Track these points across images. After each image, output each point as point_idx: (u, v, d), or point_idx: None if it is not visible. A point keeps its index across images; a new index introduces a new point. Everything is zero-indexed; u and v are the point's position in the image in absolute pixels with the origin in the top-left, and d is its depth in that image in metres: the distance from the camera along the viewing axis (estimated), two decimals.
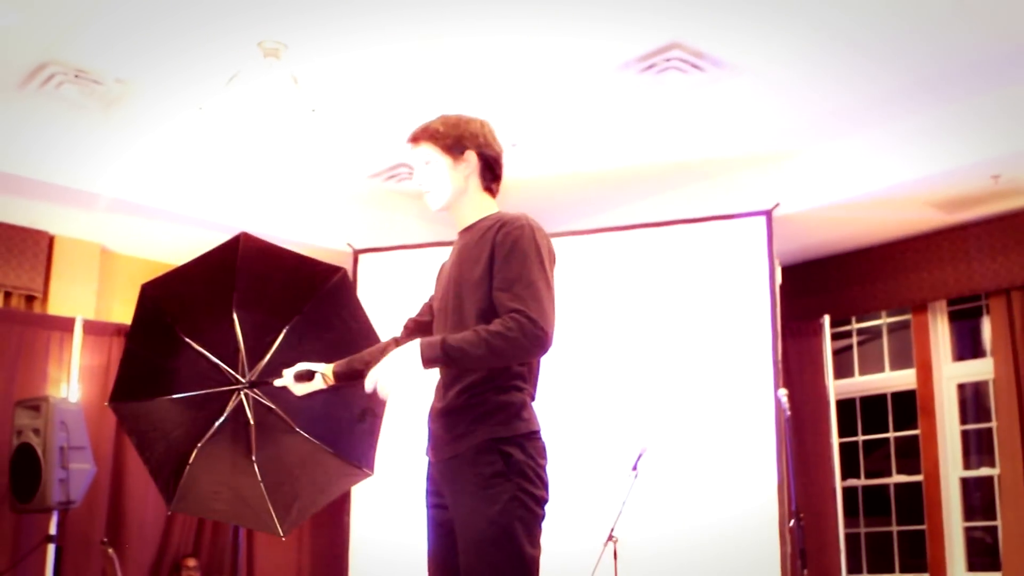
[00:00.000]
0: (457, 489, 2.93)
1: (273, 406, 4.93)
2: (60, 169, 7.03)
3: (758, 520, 6.69)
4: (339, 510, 7.86)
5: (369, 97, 6.45)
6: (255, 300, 5.00)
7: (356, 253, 7.80)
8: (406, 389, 2.87)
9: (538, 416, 3.04)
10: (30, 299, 7.85)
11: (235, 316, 4.97)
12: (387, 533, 7.25)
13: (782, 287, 7.15)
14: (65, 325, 7.70)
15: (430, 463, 3.10)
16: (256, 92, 6.07)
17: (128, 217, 7.70)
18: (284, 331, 4.95)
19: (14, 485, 6.77)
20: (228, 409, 4.92)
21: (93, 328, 7.85)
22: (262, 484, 4.96)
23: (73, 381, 7.65)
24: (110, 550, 6.52)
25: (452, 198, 3.13)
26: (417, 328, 3.31)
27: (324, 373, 3.35)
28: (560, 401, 7.07)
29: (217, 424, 4.95)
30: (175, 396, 4.98)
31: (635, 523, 6.27)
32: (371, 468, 5.09)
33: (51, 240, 8.00)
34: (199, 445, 4.93)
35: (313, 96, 6.14)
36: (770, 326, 6.93)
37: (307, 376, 3.35)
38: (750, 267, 7.08)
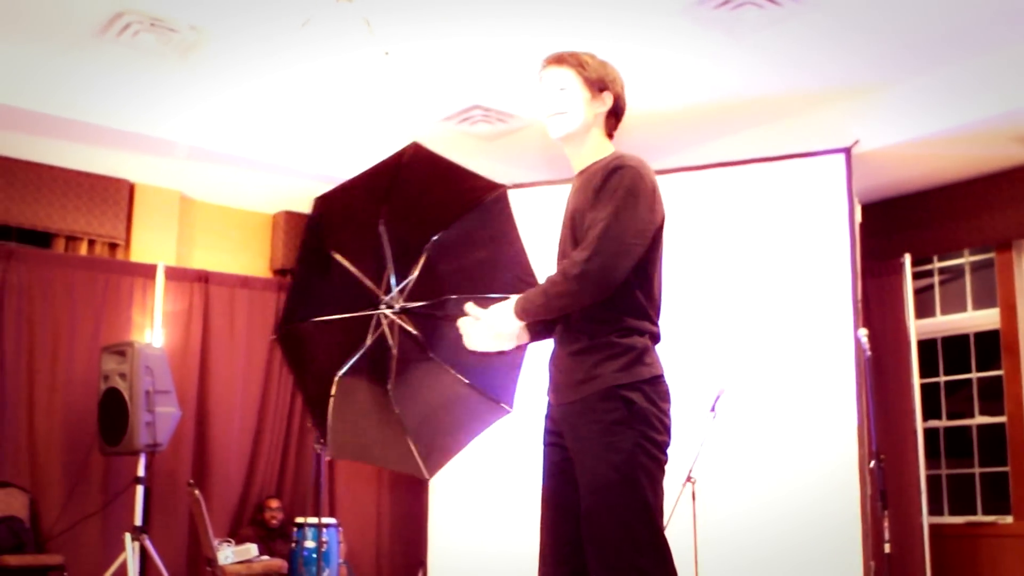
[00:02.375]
0: (578, 435, 2.90)
1: (414, 331, 4.40)
2: (139, 117, 7.13)
3: (838, 461, 6.64)
4: None
5: (441, 40, 6.42)
6: (407, 213, 4.45)
7: None
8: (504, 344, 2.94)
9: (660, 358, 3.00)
10: (113, 247, 8.01)
11: (382, 230, 4.45)
12: (466, 472, 7.31)
13: (862, 226, 7.05)
14: (147, 272, 7.84)
15: (550, 404, 3.08)
16: (329, 36, 6.07)
17: (206, 164, 7.79)
18: (428, 247, 4.42)
19: (103, 428, 6.94)
20: (371, 335, 4.43)
21: (174, 274, 7.99)
22: (403, 421, 4.64)
23: (156, 326, 7.80)
24: (196, 491, 6.66)
25: (579, 129, 3.08)
26: None
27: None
28: None
29: (360, 351, 4.49)
30: (318, 319, 4.51)
31: (713, 465, 6.27)
32: (511, 404, 4.65)
33: (132, 188, 8.13)
34: (340, 372, 4.52)
35: (385, 39, 6.13)
36: (850, 266, 6.84)
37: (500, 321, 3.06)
38: (829, 206, 6.98)
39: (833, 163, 7.01)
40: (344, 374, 4.47)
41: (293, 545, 7.40)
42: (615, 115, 3.12)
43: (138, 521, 6.87)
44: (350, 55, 6.47)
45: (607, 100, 3.08)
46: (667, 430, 2.93)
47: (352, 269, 4.38)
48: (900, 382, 7.64)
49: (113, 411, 6.91)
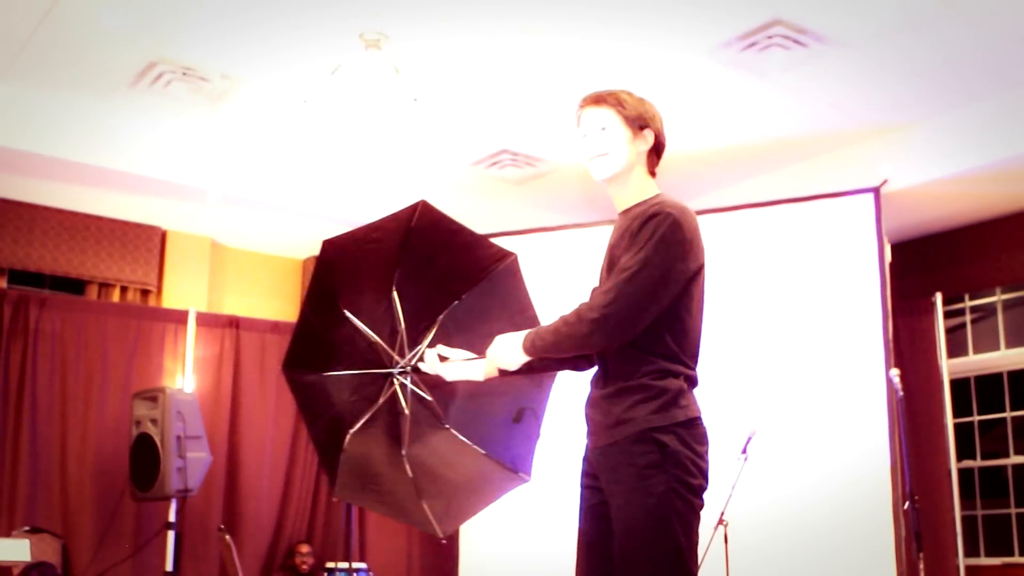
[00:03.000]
0: (613, 478, 2.89)
1: (428, 397, 4.50)
2: (170, 165, 7.22)
3: (871, 503, 6.58)
4: None
5: (469, 85, 6.48)
6: (418, 279, 4.60)
7: None
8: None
9: (698, 401, 2.99)
10: (145, 293, 8.08)
11: (395, 295, 4.62)
12: (499, 524, 7.28)
13: (892, 265, 7.02)
14: (179, 317, 7.89)
15: (587, 447, 3.07)
16: (359, 83, 6.14)
17: (237, 210, 7.87)
18: (443, 316, 4.55)
19: (134, 474, 6.97)
20: (384, 396, 4.51)
21: (205, 320, 8.04)
22: (413, 480, 4.60)
23: (188, 372, 7.84)
24: (227, 536, 6.67)
25: (623, 169, 3.05)
26: None
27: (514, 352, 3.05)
28: None
29: (371, 411, 4.57)
30: (332, 373, 4.63)
31: (745, 506, 6.22)
32: (528, 473, 4.67)
33: (163, 235, 8.21)
34: (352, 430, 4.59)
35: (414, 85, 6.19)
36: (880, 305, 6.81)
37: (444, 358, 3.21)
38: (858, 245, 6.96)
39: (862, 203, 6.99)
40: (356, 431, 4.50)
41: None
42: (656, 152, 3.10)
43: (169, 567, 6.87)
44: (380, 101, 6.53)
45: (648, 138, 3.05)
46: (702, 473, 2.90)
47: (367, 331, 4.43)
48: (933, 422, 7.58)
49: (144, 456, 6.94)
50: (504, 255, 4.62)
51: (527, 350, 2.95)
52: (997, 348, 8.07)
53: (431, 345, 3.18)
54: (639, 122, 3.03)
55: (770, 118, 6.98)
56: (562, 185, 7.95)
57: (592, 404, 3.02)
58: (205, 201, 7.61)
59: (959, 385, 8.09)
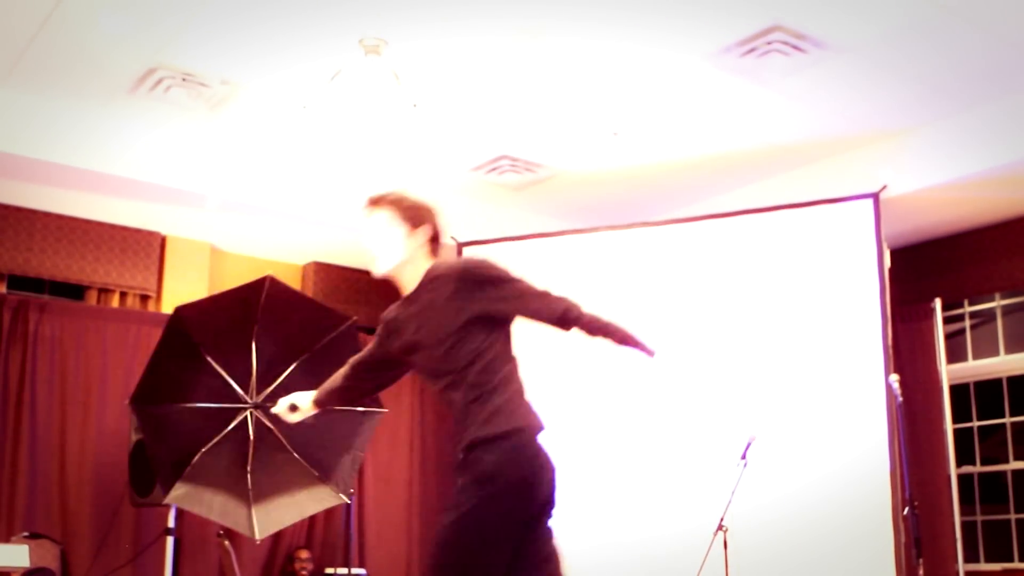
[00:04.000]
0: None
1: (272, 427, 6.11)
2: (170, 170, 7.21)
3: (871, 508, 6.58)
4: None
5: (468, 90, 6.48)
6: (273, 335, 6.19)
7: (460, 246, 7.84)
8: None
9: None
10: (144, 298, 8.08)
11: (254, 345, 6.16)
12: None
13: (891, 271, 7.02)
14: None
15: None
16: (358, 89, 6.14)
17: (236, 216, 7.86)
18: (294, 365, 6.20)
19: (133, 480, 6.95)
20: (233, 423, 6.11)
21: None
22: (251, 493, 6.00)
23: None
24: (226, 542, 6.65)
25: (401, 264, 3.44)
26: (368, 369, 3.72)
27: (305, 407, 3.79)
28: (668, 391, 7.05)
29: (221, 435, 6.10)
30: (188, 405, 6.14)
31: (745, 512, 6.21)
32: (347, 495, 6.28)
33: (163, 240, 8.21)
34: (203, 450, 6.07)
35: (414, 91, 6.20)
36: (880, 311, 6.81)
37: (295, 408, 3.72)
38: (858, 251, 6.96)
39: (861, 208, 7.00)
40: (207, 450, 6.08)
41: None
42: (436, 239, 3.44)
43: (168, 573, 6.85)
44: (379, 107, 6.53)
45: (422, 233, 3.39)
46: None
47: (221, 371, 6.07)
48: (932, 428, 7.58)
49: (143, 463, 6.92)
50: (344, 318, 6.38)
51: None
52: (996, 354, 8.07)
53: (284, 385, 3.77)
54: (415, 220, 3.41)
55: (769, 124, 6.98)
56: (562, 190, 7.96)
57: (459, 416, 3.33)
58: (204, 206, 7.61)
59: (959, 391, 8.09)
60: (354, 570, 7.09)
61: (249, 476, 6.08)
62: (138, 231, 8.04)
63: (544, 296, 3.27)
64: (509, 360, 3.29)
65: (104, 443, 7.40)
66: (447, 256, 3.48)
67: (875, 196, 6.96)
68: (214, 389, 6.22)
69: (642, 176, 7.68)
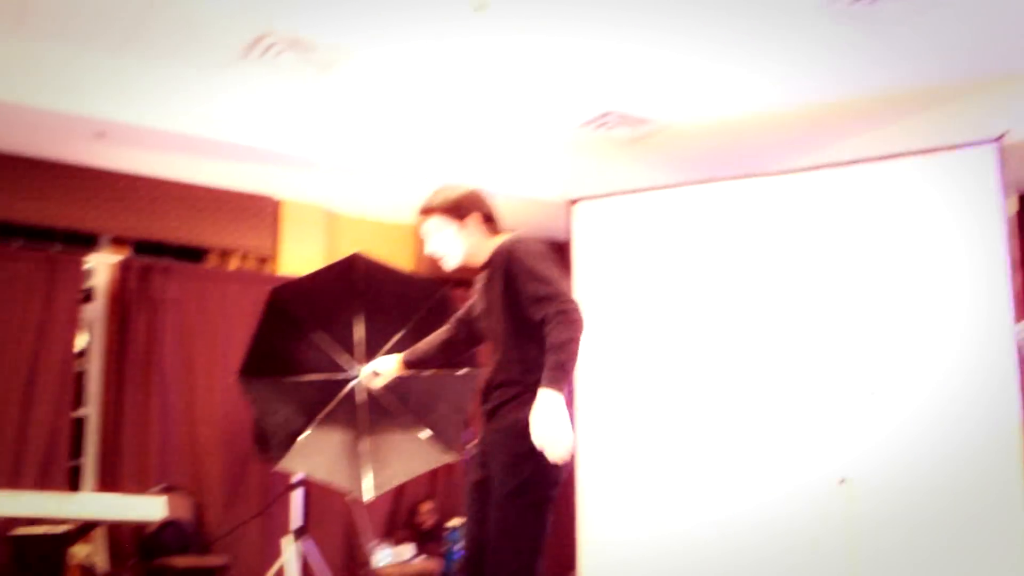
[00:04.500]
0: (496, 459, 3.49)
1: (380, 394, 6.42)
2: (282, 135, 7.36)
3: (998, 459, 6.46)
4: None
5: (574, 45, 6.48)
6: (372, 307, 6.59)
7: (570, 203, 7.86)
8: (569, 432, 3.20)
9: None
10: (262, 260, 8.28)
11: (354, 319, 6.56)
12: (617, 473, 7.34)
13: (1016, 216, 6.85)
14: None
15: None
16: (467, 48, 6.18)
17: (349, 178, 7.99)
18: (397, 336, 6.52)
19: (258, 439, 7.15)
20: (341, 394, 6.52)
21: None
22: (361, 458, 6.35)
23: None
24: (351, 495, 6.82)
25: (466, 255, 3.66)
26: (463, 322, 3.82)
27: (390, 370, 3.87)
28: (789, 342, 7.01)
29: (330, 407, 6.50)
30: (295, 378, 6.60)
31: (866, 466, 6.16)
32: (460, 452, 6.46)
33: (278, 205, 8.40)
34: (313, 421, 6.49)
35: (520, 46, 6.21)
36: (1003, 259, 6.65)
37: (377, 374, 3.85)
38: (979, 199, 6.78)
39: (982, 155, 6.82)
40: (319, 421, 6.52)
41: (447, 547, 7.52)
42: (489, 219, 3.62)
43: (297, 524, 7.06)
44: (489, 65, 6.57)
45: (473, 220, 3.58)
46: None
47: (326, 347, 6.49)
48: None
49: None
50: (437, 287, 6.69)
51: (564, 387, 3.22)
52: None
53: (373, 353, 3.89)
54: (459, 213, 3.58)
55: (883, 72, 6.84)
56: (673, 143, 7.92)
57: (485, 394, 3.54)
58: (317, 170, 7.75)
59: None
60: None
61: (360, 442, 6.43)
62: (254, 196, 8.25)
63: (540, 302, 3.30)
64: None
65: (230, 400, 7.63)
66: (545, 211, 3.64)
67: (997, 141, 6.78)
68: (319, 362, 6.61)
69: (755, 126, 7.60)
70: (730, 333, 7.23)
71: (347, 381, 6.54)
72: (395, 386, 6.13)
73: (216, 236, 8.07)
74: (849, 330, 6.92)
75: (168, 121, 7.02)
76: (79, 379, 7.52)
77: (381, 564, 6.82)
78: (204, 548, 7.30)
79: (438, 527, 7.90)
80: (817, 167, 7.31)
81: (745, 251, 7.27)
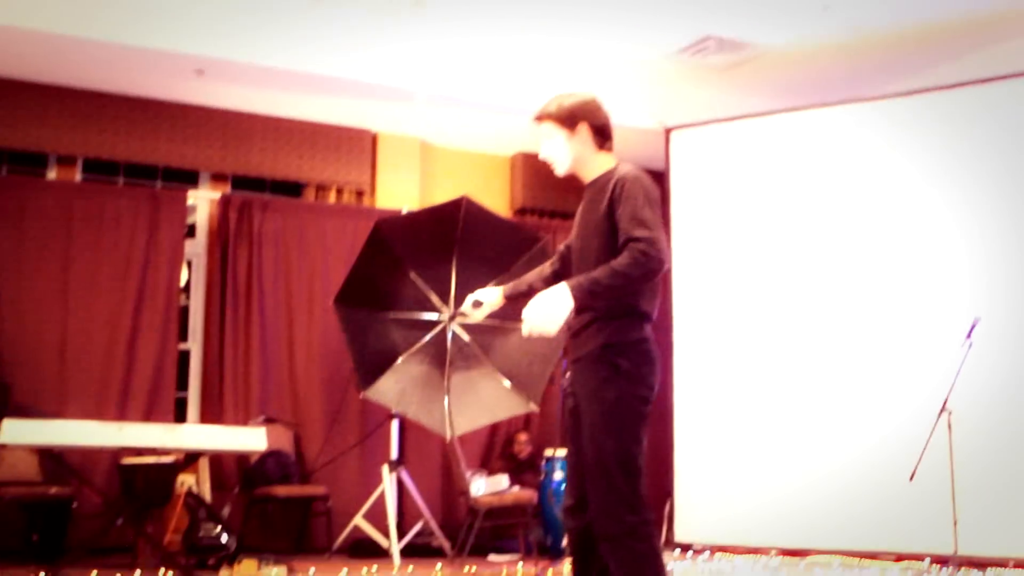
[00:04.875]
0: (582, 389, 3.43)
1: (469, 339, 6.71)
2: (379, 68, 7.36)
3: None
4: (663, 386, 7.98)
5: None
6: (470, 253, 6.62)
7: (668, 131, 7.76)
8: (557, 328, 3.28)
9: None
10: (359, 194, 8.34)
11: (453, 262, 6.65)
12: (711, 405, 7.31)
13: None
14: (393, 216, 8.11)
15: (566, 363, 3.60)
16: None
17: (444, 110, 7.98)
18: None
19: (358, 367, 7.24)
20: (431, 334, 6.67)
21: None
22: (447, 397, 6.47)
23: None
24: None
25: (573, 163, 3.60)
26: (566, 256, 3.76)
27: (492, 301, 3.79)
28: (891, 270, 6.88)
29: (419, 344, 6.70)
30: (390, 313, 6.78)
31: (969, 394, 6.03)
32: (537, 405, 6.71)
33: (375, 137, 8.42)
34: (402, 356, 6.69)
35: None
36: None
37: (478, 304, 3.79)
38: None
39: None
40: (407, 357, 6.72)
41: (542, 477, 7.57)
42: (600, 132, 3.56)
43: (394, 455, 7.18)
44: None
45: (583, 130, 3.54)
46: (648, 386, 3.38)
47: (423, 285, 6.63)
48: None
49: None
50: (537, 239, 6.78)
51: (582, 298, 3.27)
52: None
53: (474, 305, 3.77)
54: (570, 121, 3.55)
55: None
56: (771, 69, 7.73)
57: (575, 329, 3.48)
58: (413, 102, 7.74)
59: None
60: None
61: (445, 382, 6.53)
62: (351, 130, 8.29)
63: (632, 238, 3.29)
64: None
65: (329, 332, 7.73)
66: (641, 139, 3.57)
67: None
68: (414, 300, 6.71)
69: (855, 49, 7.39)
70: (830, 263, 7.11)
71: (438, 322, 6.61)
72: (482, 334, 6.43)
73: (313, 170, 8.14)
74: (954, 260, 6.76)
75: (265, 56, 7.07)
76: (183, 313, 7.68)
77: (477, 494, 6.89)
78: (304, 478, 7.45)
79: (534, 457, 7.95)
80: (922, 90, 7.10)
81: (847, 179, 7.11)
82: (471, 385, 6.74)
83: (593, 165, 3.56)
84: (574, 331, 3.45)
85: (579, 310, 3.34)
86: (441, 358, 6.71)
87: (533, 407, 6.62)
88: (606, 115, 3.61)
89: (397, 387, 6.64)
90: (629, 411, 3.29)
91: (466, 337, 6.71)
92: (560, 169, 3.61)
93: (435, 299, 6.71)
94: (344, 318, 6.66)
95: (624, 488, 3.24)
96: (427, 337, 6.75)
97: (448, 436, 6.36)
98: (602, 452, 3.28)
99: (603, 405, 3.29)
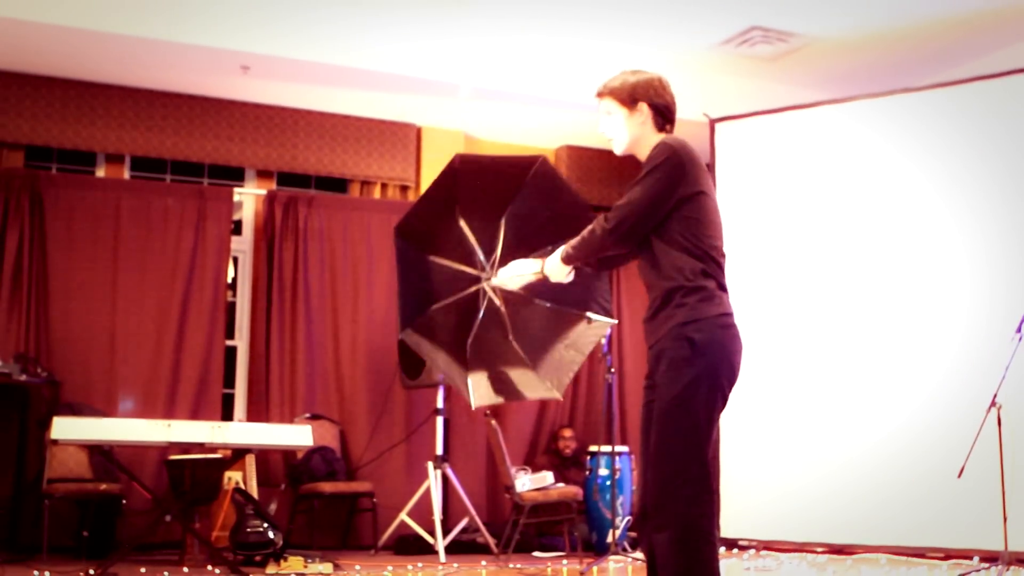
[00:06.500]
0: (657, 368, 3.31)
1: (501, 306, 6.19)
2: (422, 62, 7.35)
3: None
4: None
5: None
6: (475, 206, 6.15)
7: (712, 122, 7.70)
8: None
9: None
10: (404, 189, 8.34)
11: (462, 223, 6.15)
12: (757, 403, 7.24)
13: None
14: None
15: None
16: None
17: (488, 103, 7.96)
18: (502, 225, 6.13)
19: (403, 363, 7.27)
20: (467, 291, 6.20)
21: None
22: (468, 360, 6.06)
23: None
24: (493, 421, 6.89)
25: (632, 142, 3.51)
26: None
27: (531, 272, 3.64)
28: (942, 262, 6.78)
29: (453, 298, 6.23)
30: (434, 258, 6.28)
31: (1019, 388, 5.93)
32: (560, 393, 6.19)
33: (419, 132, 8.43)
34: (435, 305, 6.22)
35: None
36: None
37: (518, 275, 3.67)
38: None
39: None
40: (439, 307, 6.24)
41: (587, 473, 7.56)
42: (661, 113, 3.47)
43: (439, 451, 7.18)
44: None
45: (642, 110, 3.46)
46: (730, 365, 3.30)
47: (450, 263, 6.05)
48: None
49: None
50: (532, 160, 6.08)
51: (564, 260, 3.47)
52: None
53: (505, 248, 3.73)
54: (631, 99, 3.47)
55: None
56: (817, 59, 7.65)
57: (648, 318, 3.38)
58: (458, 96, 7.73)
59: None
60: (617, 448, 7.21)
61: (468, 344, 6.23)
62: (395, 124, 8.30)
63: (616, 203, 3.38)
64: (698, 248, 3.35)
65: (374, 328, 7.76)
66: (686, 131, 3.50)
67: None
68: (459, 251, 6.34)
69: (902, 39, 7.29)
70: (877, 256, 7.01)
71: (476, 279, 6.28)
72: (516, 306, 6.14)
73: (358, 166, 8.16)
74: (1004, 251, 6.64)
75: (309, 52, 7.08)
76: (229, 310, 7.74)
77: (522, 490, 6.88)
78: (350, 474, 7.48)
79: (578, 453, 7.93)
80: (970, 79, 6.98)
81: (892, 171, 7.01)
82: (492, 354, 6.40)
83: (646, 146, 3.42)
84: (647, 315, 3.34)
85: (652, 293, 3.33)
86: (470, 319, 6.35)
87: (556, 394, 6.31)
88: (670, 97, 3.51)
89: (426, 337, 6.37)
90: (705, 393, 3.16)
91: (500, 305, 6.29)
92: (618, 148, 3.52)
93: (480, 254, 6.32)
94: (400, 249, 6.44)
95: (685, 476, 3.10)
96: (462, 293, 6.38)
97: (473, 405, 6.17)
98: (666, 435, 3.15)
99: (677, 386, 3.15)
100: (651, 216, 3.31)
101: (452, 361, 6.34)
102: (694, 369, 3.16)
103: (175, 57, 7.05)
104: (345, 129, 8.13)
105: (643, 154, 3.41)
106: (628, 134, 3.47)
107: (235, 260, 7.90)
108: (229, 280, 7.73)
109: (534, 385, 6.40)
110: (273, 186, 8.03)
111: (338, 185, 8.31)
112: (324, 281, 7.80)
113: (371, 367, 7.76)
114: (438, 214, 6.36)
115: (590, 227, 3.41)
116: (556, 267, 3.51)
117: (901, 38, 7.28)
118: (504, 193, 6.28)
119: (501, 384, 6.43)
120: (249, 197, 8.01)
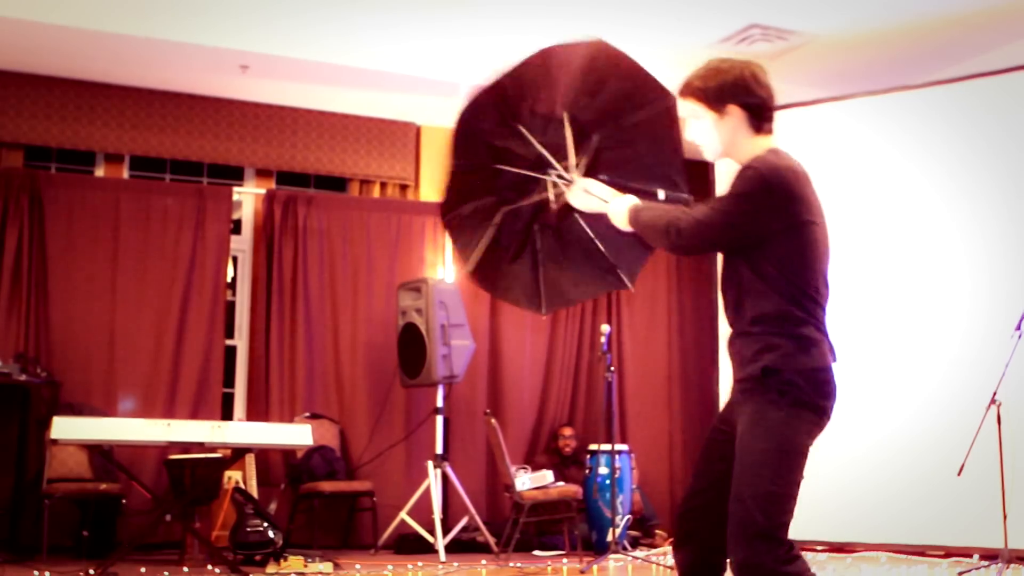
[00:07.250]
0: (742, 409, 3.01)
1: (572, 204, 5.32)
2: (422, 61, 7.34)
3: None
4: (708, 380, 7.97)
5: None
6: (586, 102, 4.85)
7: None
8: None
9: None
10: (403, 188, 8.34)
11: (565, 115, 4.87)
12: None
13: None
14: (437, 210, 8.06)
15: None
16: None
17: None
18: (600, 135, 4.79)
19: (402, 362, 7.28)
20: (537, 195, 5.38)
21: None
22: (540, 269, 5.32)
23: (448, 262, 8.06)
24: (492, 420, 6.89)
25: (724, 148, 3.09)
26: None
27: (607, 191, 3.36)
28: (942, 260, 6.78)
29: (523, 202, 5.38)
30: (497, 167, 5.12)
31: (1019, 386, 5.93)
32: (632, 284, 5.19)
33: (418, 131, 8.42)
34: (505, 209, 5.42)
35: None
36: None
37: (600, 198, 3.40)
38: None
39: None
40: (506, 213, 5.01)
41: (587, 471, 7.56)
42: (755, 113, 2.98)
43: (439, 449, 7.19)
44: None
45: (733, 112, 2.98)
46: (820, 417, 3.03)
47: (535, 141, 4.84)
48: None
49: (411, 345, 7.23)
50: (665, 93, 4.73)
51: (630, 220, 3.12)
52: None
53: (586, 172, 3.36)
54: (718, 100, 3.00)
55: None
56: (818, 57, 7.63)
57: (731, 341, 3.02)
58: (457, 95, 7.70)
59: None
60: (617, 446, 7.20)
61: (539, 254, 5.93)
62: (394, 123, 8.30)
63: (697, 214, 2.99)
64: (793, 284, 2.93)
65: (373, 328, 7.77)
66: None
67: None
68: (524, 157, 5.58)
69: (902, 36, 7.28)
70: (876, 254, 7.01)
71: (544, 182, 5.76)
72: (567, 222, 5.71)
73: (357, 165, 8.16)
74: (1006, 248, 6.64)
75: (309, 51, 7.08)
76: (229, 309, 7.74)
77: (522, 489, 6.88)
78: (350, 474, 7.48)
79: (579, 452, 7.93)
80: (970, 76, 6.98)
81: (894, 168, 7.01)
82: (567, 256, 6.08)
83: (748, 152, 2.95)
84: (732, 333, 2.99)
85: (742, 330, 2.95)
86: (541, 217, 5.91)
87: (629, 285, 6.08)
88: (765, 91, 2.98)
89: (491, 262, 5.94)
90: (792, 439, 2.89)
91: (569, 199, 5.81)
92: (709, 155, 3.08)
93: (547, 154, 5.80)
94: (457, 144, 5.90)
95: (773, 520, 2.91)
96: (532, 199, 5.90)
97: (543, 313, 5.82)
98: (755, 481, 2.88)
99: (762, 428, 2.87)
100: (725, 246, 2.96)
101: (523, 275, 6.04)
102: (783, 413, 2.87)
103: (174, 56, 7.05)
104: (344, 128, 8.13)
105: (741, 158, 2.97)
106: (719, 141, 3.02)
107: (234, 259, 7.90)
108: (229, 279, 7.73)
109: (609, 277, 5.89)
110: (272, 185, 8.03)
111: (338, 184, 8.31)
112: (324, 280, 7.80)
113: (371, 366, 7.76)
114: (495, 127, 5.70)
115: (667, 218, 2.99)
116: (621, 215, 3.16)
117: (900, 36, 7.28)
118: (619, 106, 5.58)
119: (573, 284, 5.98)
120: (248, 196, 8.02)
